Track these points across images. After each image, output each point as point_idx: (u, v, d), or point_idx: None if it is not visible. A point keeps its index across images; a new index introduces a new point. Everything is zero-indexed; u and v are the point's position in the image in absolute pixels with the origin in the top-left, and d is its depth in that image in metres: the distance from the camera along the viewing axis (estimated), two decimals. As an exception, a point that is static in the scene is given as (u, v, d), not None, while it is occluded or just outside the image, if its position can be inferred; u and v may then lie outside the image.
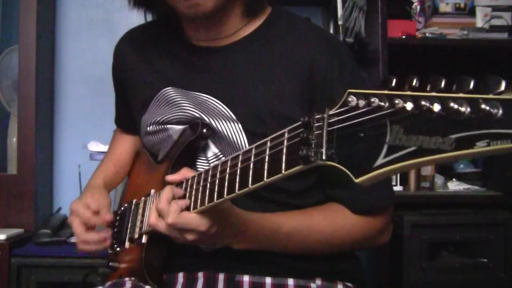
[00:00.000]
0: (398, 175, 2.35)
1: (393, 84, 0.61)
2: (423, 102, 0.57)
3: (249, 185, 0.83)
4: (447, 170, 2.58)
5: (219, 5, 1.09)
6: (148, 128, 1.23)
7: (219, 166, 0.93)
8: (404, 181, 2.38)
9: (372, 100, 0.61)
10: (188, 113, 1.16)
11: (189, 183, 1.00)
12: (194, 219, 0.95)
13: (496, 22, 2.48)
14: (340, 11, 2.44)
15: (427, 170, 2.39)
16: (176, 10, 1.12)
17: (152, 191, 1.18)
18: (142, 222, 1.16)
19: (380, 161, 0.60)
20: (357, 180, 0.63)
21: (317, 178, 1.15)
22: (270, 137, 0.81)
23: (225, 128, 1.12)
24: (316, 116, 0.70)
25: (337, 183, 1.12)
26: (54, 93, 2.81)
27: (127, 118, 1.41)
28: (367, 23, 2.45)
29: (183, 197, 1.00)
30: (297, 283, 1.13)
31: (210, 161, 1.15)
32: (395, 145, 0.59)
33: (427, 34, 2.45)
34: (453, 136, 0.55)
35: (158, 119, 1.20)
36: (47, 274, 2.30)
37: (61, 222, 2.49)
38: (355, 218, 1.12)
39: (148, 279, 1.13)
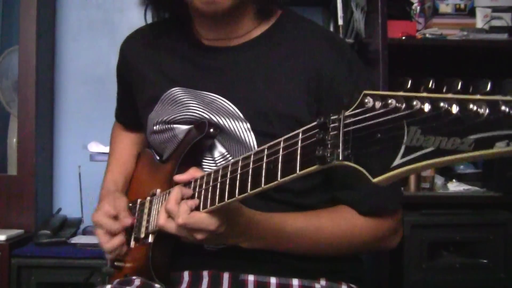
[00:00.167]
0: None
1: (409, 85, 0.62)
2: (441, 104, 0.58)
3: (262, 185, 0.84)
4: (447, 171, 2.58)
5: (236, 4, 1.10)
6: (154, 127, 1.23)
7: (230, 166, 0.93)
8: (404, 182, 2.38)
9: (390, 101, 0.62)
10: (196, 113, 1.16)
11: (198, 183, 1.01)
12: (204, 219, 0.96)
13: (496, 23, 2.48)
14: (340, 12, 2.44)
15: (427, 171, 2.39)
16: (192, 6, 1.12)
17: (158, 190, 1.18)
18: (148, 221, 1.16)
19: (397, 161, 0.61)
20: (374, 180, 0.64)
21: (323, 179, 1.15)
22: (283, 138, 0.82)
23: (233, 126, 1.12)
24: (332, 117, 0.71)
25: (345, 185, 1.13)
26: (54, 94, 2.81)
27: (129, 114, 1.41)
28: (367, 24, 2.45)
29: (192, 197, 1.00)
30: (301, 283, 1.13)
31: (217, 161, 1.15)
32: (412, 145, 0.60)
33: (427, 35, 2.45)
34: (472, 137, 0.56)
35: (165, 118, 1.20)
36: (47, 274, 2.30)
37: (61, 222, 2.48)
38: (363, 220, 1.12)
39: (155, 277, 1.13)
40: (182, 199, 0.99)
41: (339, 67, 1.11)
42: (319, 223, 1.11)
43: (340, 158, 0.68)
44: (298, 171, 0.77)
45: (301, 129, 0.79)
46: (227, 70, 1.17)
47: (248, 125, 1.11)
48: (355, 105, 0.68)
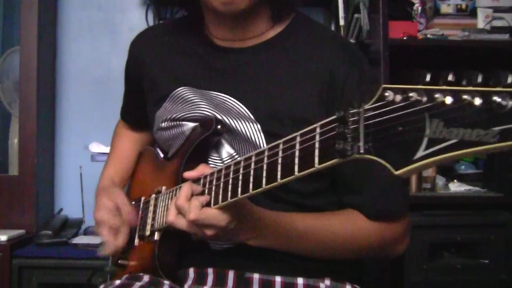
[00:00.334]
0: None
1: (428, 79, 0.63)
2: (464, 96, 0.58)
3: (278, 180, 0.83)
4: (448, 171, 2.58)
5: (252, 5, 1.10)
6: (162, 124, 1.23)
7: (242, 162, 0.93)
8: (405, 182, 2.38)
9: (411, 94, 0.63)
10: (205, 112, 1.17)
11: (208, 179, 1.01)
12: (215, 215, 0.96)
13: (497, 23, 2.48)
14: (341, 12, 2.44)
15: (428, 171, 2.39)
16: (209, 5, 1.12)
17: (163, 188, 1.18)
18: (153, 219, 1.16)
19: (420, 153, 0.62)
20: (397, 173, 0.64)
21: (330, 182, 1.16)
22: (299, 132, 0.82)
23: (243, 127, 1.12)
24: (351, 111, 0.71)
25: (353, 190, 1.13)
26: (55, 94, 2.82)
27: (134, 113, 1.41)
28: (369, 24, 2.45)
29: (202, 193, 1.00)
30: (306, 282, 1.13)
31: (225, 162, 1.15)
32: (435, 138, 0.61)
33: (428, 35, 2.45)
34: (497, 129, 0.57)
35: (174, 115, 1.20)
36: (48, 275, 2.30)
37: (62, 223, 2.49)
38: (370, 224, 1.12)
39: (162, 274, 1.13)
40: (192, 195, 0.99)
41: (352, 72, 1.12)
42: (327, 224, 1.11)
43: (361, 151, 0.68)
44: (317, 165, 0.77)
45: (318, 124, 0.78)
46: (239, 71, 1.17)
47: (259, 126, 1.12)
48: (375, 98, 0.68)
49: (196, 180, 1.03)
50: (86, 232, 2.52)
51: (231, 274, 1.14)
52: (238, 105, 1.14)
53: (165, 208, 1.12)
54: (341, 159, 0.72)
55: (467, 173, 2.57)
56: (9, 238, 2.30)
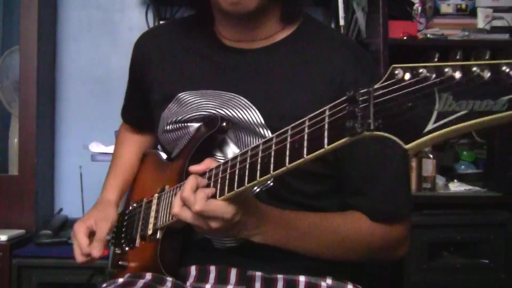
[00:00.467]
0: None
1: (436, 58, 0.65)
2: (473, 69, 0.60)
3: (286, 164, 0.83)
4: (448, 171, 2.58)
5: (261, 6, 1.10)
6: (167, 127, 1.23)
7: (249, 151, 0.92)
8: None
9: (420, 71, 0.64)
10: (210, 111, 1.16)
11: (213, 172, 1.00)
12: (221, 206, 0.96)
13: (497, 23, 2.49)
14: (341, 12, 2.44)
15: (428, 171, 2.39)
16: (218, 6, 1.12)
17: (167, 186, 1.17)
18: (156, 218, 1.16)
19: (430, 126, 0.63)
20: (407, 146, 0.65)
21: (334, 183, 1.16)
22: (308, 117, 0.82)
23: (248, 118, 1.12)
24: (361, 91, 0.72)
25: (357, 192, 1.13)
26: (55, 94, 2.82)
27: (137, 113, 1.41)
28: (368, 24, 2.45)
29: (207, 186, 1.00)
30: (308, 279, 1.13)
31: None
32: (445, 110, 0.62)
33: (428, 35, 2.45)
34: (505, 98, 0.59)
35: (179, 118, 1.20)
36: (47, 274, 2.30)
37: (62, 223, 2.48)
38: (373, 225, 1.12)
39: (164, 272, 1.13)
40: (198, 188, 0.99)
41: (361, 76, 1.12)
42: (331, 224, 1.12)
43: (371, 128, 0.68)
44: (326, 146, 0.76)
45: (327, 106, 0.78)
46: (248, 72, 1.17)
47: (264, 122, 1.11)
48: (385, 77, 0.69)
49: (201, 174, 1.03)
50: (86, 232, 2.51)
51: (233, 272, 1.14)
52: (247, 103, 1.14)
53: (168, 206, 1.12)
54: (350, 138, 0.72)
55: (467, 173, 2.57)
56: (9, 237, 2.29)
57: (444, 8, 2.52)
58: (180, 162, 1.18)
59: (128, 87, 1.42)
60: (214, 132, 1.13)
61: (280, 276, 1.13)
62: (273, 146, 0.87)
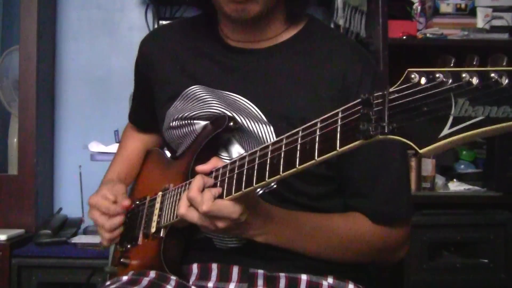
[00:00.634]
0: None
1: (452, 63, 0.64)
2: (491, 75, 0.60)
3: (296, 166, 0.82)
4: (447, 170, 2.58)
5: (265, 10, 1.11)
6: (172, 123, 1.23)
7: (258, 152, 0.92)
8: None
9: (437, 75, 0.64)
10: (217, 110, 1.16)
11: (220, 171, 1.00)
12: (228, 206, 0.96)
13: (496, 22, 2.49)
14: (340, 12, 2.44)
15: (427, 171, 2.39)
16: (220, 10, 1.13)
17: (171, 185, 1.18)
18: (159, 216, 1.16)
19: (445, 131, 0.63)
20: (421, 151, 0.65)
21: (337, 185, 1.16)
22: (320, 118, 0.82)
23: (255, 127, 1.12)
24: (376, 94, 0.71)
25: (358, 194, 1.14)
26: (55, 94, 2.81)
27: (143, 114, 1.41)
28: (368, 24, 2.45)
29: (214, 186, 0.99)
30: (310, 278, 1.13)
31: None
32: (461, 116, 0.62)
33: (427, 35, 2.45)
34: None
35: (186, 114, 1.20)
36: (47, 274, 2.31)
37: (62, 222, 2.49)
38: (374, 227, 1.12)
39: (167, 270, 1.13)
40: (204, 188, 0.99)
41: (364, 78, 1.12)
42: (333, 225, 1.12)
43: (386, 131, 0.68)
44: (338, 148, 0.76)
45: (340, 108, 0.78)
46: (252, 73, 1.17)
47: (272, 128, 1.12)
48: (400, 81, 0.68)
49: (208, 174, 1.03)
50: (86, 232, 2.52)
51: (235, 269, 1.14)
52: (251, 105, 1.14)
53: (173, 205, 1.11)
54: (364, 140, 0.72)
55: (467, 172, 2.57)
56: (9, 237, 2.30)
57: (444, 8, 2.52)
58: (186, 161, 1.18)
59: (135, 89, 1.43)
60: (221, 131, 1.13)
61: (282, 274, 1.13)
62: (283, 147, 0.87)
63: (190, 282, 1.16)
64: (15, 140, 2.59)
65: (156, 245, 1.16)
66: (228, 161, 1.01)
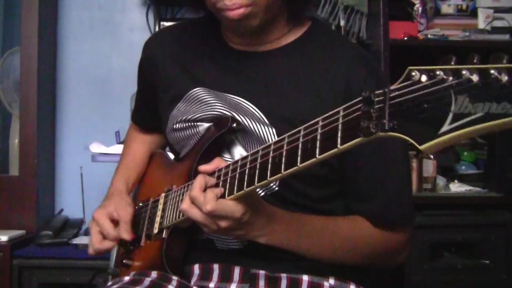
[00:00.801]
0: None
1: (453, 62, 0.65)
2: (491, 71, 0.61)
3: (298, 164, 0.83)
4: (448, 171, 2.58)
5: (265, 21, 1.11)
6: (175, 126, 1.23)
7: (260, 151, 0.92)
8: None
9: (438, 73, 0.65)
10: (222, 112, 1.17)
11: (222, 172, 1.01)
12: (230, 206, 0.96)
13: (497, 23, 2.49)
14: (341, 13, 2.44)
15: (428, 172, 2.39)
16: (220, 19, 1.13)
17: (174, 186, 1.18)
18: (162, 217, 1.16)
19: (445, 128, 0.63)
20: (421, 147, 0.65)
21: (340, 188, 1.17)
22: (321, 117, 0.82)
23: (258, 129, 1.12)
24: (377, 92, 0.72)
25: (361, 197, 1.14)
26: (56, 94, 2.82)
27: (147, 116, 1.41)
28: (369, 25, 2.45)
29: (216, 185, 1.00)
30: (311, 279, 1.13)
31: None
32: (460, 112, 0.63)
33: (429, 36, 2.45)
34: None
35: (189, 117, 1.20)
36: (48, 275, 2.31)
37: (63, 223, 2.49)
38: (376, 231, 1.13)
39: (169, 271, 1.13)
40: (206, 187, 0.99)
41: (368, 82, 1.12)
42: (335, 228, 1.12)
43: (386, 128, 0.69)
44: (339, 146, 0.76)
45: (342, 107, 0.78)
46: (254, 76, 1.18)
47: (274, 130, 1.12)
48: (401, 79, 0.69)
49: (210, 174, 1.03)
50: (87, 233, 2.51)
51: (236, 270, 1.14)
52: (253, 108, 1.14)
53: (176, 205, 1.12)
54: (364, 138, 0.72)
55: (468, 173, 2.57)
56: (10, 238, 2.30)
57: (445, 9, 2.52)
58: (189, 162, 1.18)
59: (138, 90, 1.43)
60: (224, 133, 1.13)
61: (283, 275, 1.13)
62: (285, 146, 0.87)
63: (192, 283, 1.16)
64: (16, 141, 2.59)
65: (158, 246, 1.16)
66: (230, 161, 1.01)
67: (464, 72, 0.62)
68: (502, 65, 0.61)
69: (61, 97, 2.82)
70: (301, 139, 0.84)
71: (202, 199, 0.96)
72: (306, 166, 0.82)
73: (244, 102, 1.15)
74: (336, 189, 1.16)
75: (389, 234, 1.14)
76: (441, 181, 2.44)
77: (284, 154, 0.86)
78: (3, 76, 2.67)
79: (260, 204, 1.03)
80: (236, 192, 0.95)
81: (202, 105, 1.19)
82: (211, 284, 1.14)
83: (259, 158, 0.92)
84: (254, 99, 1.15)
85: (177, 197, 1.14)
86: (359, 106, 0.74)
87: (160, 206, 1.18)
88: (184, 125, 1.21)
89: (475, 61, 0.63)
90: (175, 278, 1.13)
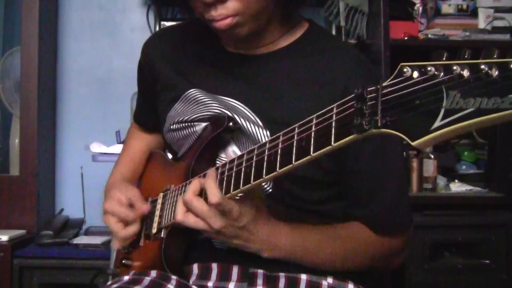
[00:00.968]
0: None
1: (445, 58, 0.65)
2: (481, 66, 0.61)
3: (293, 162, 0.83)
4: (449, 171, 2.58)
5: (255, 28, 1.10)
6: (172, 126, 1.23)
7: (256, 149, 0.92)
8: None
9: (429, 69, 0.65)
10: (218, 111, 1.16)
11: (219, 170, 1.01)
12: (231, 202, 0.96)
13: (498, 23, 2.49)
14: (341, 13, 2.44)
15: (429, 172, 2.39)
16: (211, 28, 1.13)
17: (172, 186, 1.18)
18: (161, 217, 1.16)
19: (437, 123, 0.63)
20: (414, 143, 0.65)
21: (335, 190, 1.16)
22: (315, 115, 0.82)
23: (254, 130, 1.12)
24: (369, 89, 0.72)
25: (359, 203, 1.14)
26: (56, 94, 2.82)
27: (148, 115, 1.41)
28: (369, 24, 2.45)
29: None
30: (310, 278, 1.13)
31: None
32: (452, 108, 0.63)
33: (429, 35, 2.45)
34: None
35: (186, 118, 1.20)
36: (49, 275, 2.31)
37: (63, 223, 2.49)
38: (376, 237, 1.13)
39: (168, 271, 1.13)
40: (202, 190, 0.99)
41: (365, 84, 1.11)
42: (337, 237, 1.12)
43: (379, 125, 0.69)
44: (333, 143, 0.77)
45: (335, 104, 0.79)
46: (250, 79, 1.17)
47: (269, 133, 1.11)
48: (393, 75, 0.69)
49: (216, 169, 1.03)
50: (87, 232, 2.52)
51: (235, 269, 1.14)
52: (248, 111, 1.14)
53: (173, 205, 1.12)
54: (358, 135, 0.73)
55: (468, 173, 2.57)
56: (10, 238, 2.30)
57: (445, 9, 2.52)
58: (186, 162, 1.18)
59: (138, 90, 1.43)
60: (221, 132, 1.13)
61: (282, 274, 1.13)
62: (280, 144, 0.87)
63: (191, 282, 1.16)
64: (17, 141, 2.59)
65: (157, 246, 1.16)
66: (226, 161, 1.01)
67: (455, 67, 0.63)
68: (493, 60, 0.61)
69: (61, 97, 2.82)
70: (295, 137, 0.84)
71: (195, 203, 0.97)
72: (301, 163, 0.83)
73: (239, 104, 1.15)
74: (333, 192, 1.16)
75: (388, 239, 1.15)
76: (441, 181, 2.44)
77: (279, 152, 0.87)
78: (4, 76, 2.68)
79: (261, 217, 1.02)
80: (233, 191, 0.95)
81: (199, 105, 1.19)
82: (210, 283, 1.14)
83: (255, 157, 0.92)
84: (248, 102, 1.14)
85: (175, 197, 1.14)
86: (352, 103, 0.75)
87: (159, 206, 1.18)
88: (181, 125, 1.21)
89: (466, 56, 0.63)
90: (174, 277, 1.13)
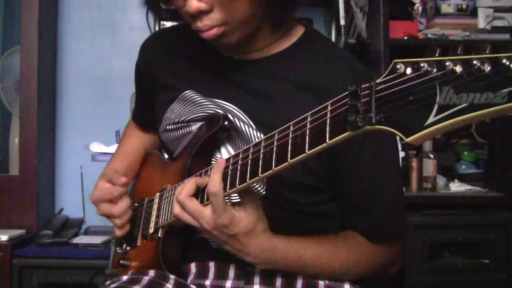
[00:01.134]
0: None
1: (438, 54, 0.65)
2: (474, 62, 0.61)
3: (288, 160, 0.83)
4: (449, 171, 2.58)
5: (245, 35, 1.10)
6: (168, 127, 1.23)
7: (251, 148, 0.92)
8: (406, 182, 2.38)
9: (422, 65, 0.65)
10: (214, 110, 1.16)
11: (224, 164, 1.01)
12: (226, 204, 0.96)
13: (498, 23, 2.49)
14: (342, 12, 2.44)
15: (429, 171, 2.39)
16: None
17: (168, 185, 1.18)
18: (158, 217, 1.16)
19: (431, 119, 0.64)
20: (408, 140, 0.66)
21: (328, 195, 1.16)
22: (310, 113, 0.82)
23: (248, 130, 1.12)
24: (363, 86, 0.72)
25: (355, 211, 1.14)
26: (56, 94, 2.82)
27: (145, 115, 1.41)
28: (369, 24, 2.45)
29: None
30: (306, 280, 1.13)
31: None
32: (445, 104, 0.63)
33: (429, 35, 2.45)
34: (505, 90, 0.59)
35: (182, 118, 1.21)
36: (48, 275, 2.31)
37: (63, 223, 2.49)
38: (372, 247, 1.13)
39: (166, 271, 1.13)
40: (198, 188, 1.00)
41: None
42: (334, 249, 1.11)
43: (373, 122, 0.69)
44: (328, 140, 0.77)
45: (329, 101, 0.79)
46: (245, 83, 1.17)
47: (262, 135, 1.11)
48: (386, 72, 0.69)
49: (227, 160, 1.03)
50: (87, 232, 2.52)
51: (232, 268, 1.15)
52: (242, 114, 1.14)
53: (170, 204, 1.12)
54: (352, 132, 0.73)
55: (468, 173, 2.57)
56: (10, 237, 2.30)
57: (445, 8, 2.52)
58: (182, 161, 1.18)
59: (136, 90, 1.44)
60: (216, 131, 1.13)
61: (278, 273, 1.13)
62: (275, 142, 0.87)
63: (189, 281, 1.16)
64: (17, 140, 2.59)
65: (154, 246, 1.16)
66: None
67: (447, 63, 0.63)
68: (485, 55, 0.61)
69: (61, 97, 2.83)
70: (290, 135, 0.85)
71: (188, 203, 0.97)
72: (297, 161, 0.83)
73: (232, 107, 1.15)
74: (326, 196, 1.16)
75: (385, 248, 1.14)
76: (441, 180, 2.44)
77: (274, 150, 0.87)
78: (3, 76, 2.68)
79: (255, 232, 1.01)
80: (229, 191, 0.95)
81: (196, 106, 1.19)
82: (207, 282, 1.15)
83: (250, 155, 0.92)
84: (242, 107, 1.14)
85: (171, 197, 1.14)
86: (346, 100, 0.75)
87: (155, 206, 1.18)
88: (177, 126, 1.22)
89: (458, 51, 0.64)
90: (172, 276, 1.13)
